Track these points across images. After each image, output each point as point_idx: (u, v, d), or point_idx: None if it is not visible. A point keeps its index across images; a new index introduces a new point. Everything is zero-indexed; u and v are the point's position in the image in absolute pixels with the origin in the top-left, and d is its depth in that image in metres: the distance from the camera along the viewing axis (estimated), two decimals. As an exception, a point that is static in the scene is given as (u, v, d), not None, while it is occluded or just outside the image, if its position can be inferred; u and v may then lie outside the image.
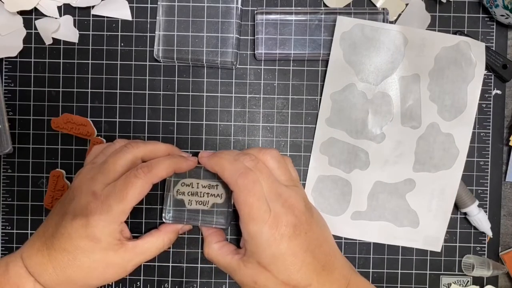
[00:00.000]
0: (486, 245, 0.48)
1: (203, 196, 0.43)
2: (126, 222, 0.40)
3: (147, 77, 0.47)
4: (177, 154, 0.43)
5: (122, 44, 0.47)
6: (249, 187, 0.37)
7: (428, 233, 0.47)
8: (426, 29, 0.47)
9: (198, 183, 0.43)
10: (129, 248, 0.39)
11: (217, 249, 0.42)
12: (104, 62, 0.47)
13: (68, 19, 0.47)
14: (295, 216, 0.38)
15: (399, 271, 0.48)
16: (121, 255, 0.39)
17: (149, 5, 0.47)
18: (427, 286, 0.48)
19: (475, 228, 0.48)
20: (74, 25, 0.47)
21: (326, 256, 0.39)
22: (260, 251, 0.37)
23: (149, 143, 0.42)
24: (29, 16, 0.47)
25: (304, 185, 0.47)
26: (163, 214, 0.44)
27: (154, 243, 0.41)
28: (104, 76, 0.47)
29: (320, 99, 0.47)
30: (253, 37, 0.47)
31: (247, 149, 0.42)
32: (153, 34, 0.47)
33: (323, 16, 0.46)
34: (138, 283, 0.48)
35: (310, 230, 0.39)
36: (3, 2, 0.46)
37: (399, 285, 0.48)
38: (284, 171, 0.41)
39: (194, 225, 0.45)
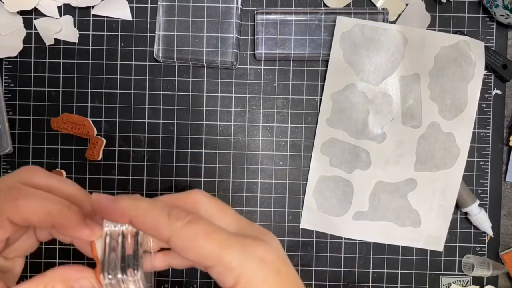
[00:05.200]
0: (486, 245, 0.48)
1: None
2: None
3: (147, 77, 0.47)
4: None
5: (122, 44, 0.47)
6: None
7: (430, 233, 0.47)
8: (426, 29, 0.47)
9: None
10: None
11: None
12: (104, 62, 0.47)
13: (68, 19, 0.47)
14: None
15: (399, 271, 0.48)
16: None
17: (149, 5, 0.47)
18: (427, 286, 0.48)
19: (475, 228, 0.48)
20: (74, 25, 0.47)
21: None
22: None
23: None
24: (29, 16, 0.47)
25: (305, 185, 0.47)
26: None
27: None
28: (104, 76, 0.47)
29: (320, 99, 0.47)
30: (253, 37, 0.47)
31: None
32: (153, 34, 0.47)
33: (323, 16, 0.46)
34: (138, 283, 0.48)
35: None
36: (3, 2, 0.46)
37: (399, 285, 0.48)
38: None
39: None
